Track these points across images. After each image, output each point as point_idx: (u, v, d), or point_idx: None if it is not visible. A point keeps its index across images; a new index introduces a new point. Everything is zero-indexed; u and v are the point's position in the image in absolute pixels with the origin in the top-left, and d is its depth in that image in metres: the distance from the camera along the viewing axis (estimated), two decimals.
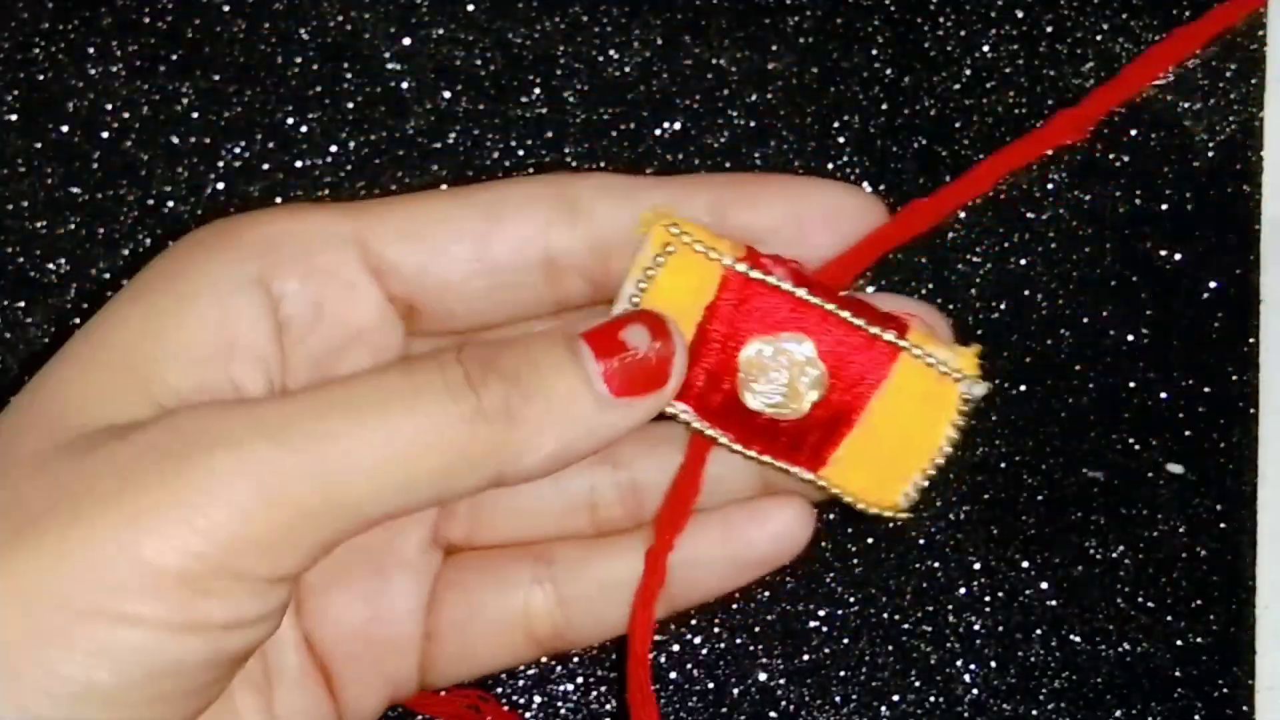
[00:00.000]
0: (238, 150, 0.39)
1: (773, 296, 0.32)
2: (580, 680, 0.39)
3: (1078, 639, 0.39)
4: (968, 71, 0.41)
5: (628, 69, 0.40)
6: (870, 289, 0.40)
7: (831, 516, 0.39)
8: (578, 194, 0.33)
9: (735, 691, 0.39)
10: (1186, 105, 0.41)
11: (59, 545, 0.27)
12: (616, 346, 0.31)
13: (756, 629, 0.39)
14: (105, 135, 0.39)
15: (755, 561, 0.35)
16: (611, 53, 0.40)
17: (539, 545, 0.35)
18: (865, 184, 0.40)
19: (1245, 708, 0.39)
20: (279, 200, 0.39)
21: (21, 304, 0.38)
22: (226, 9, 0.40)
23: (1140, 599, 0.39)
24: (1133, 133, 0.41)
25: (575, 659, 0.39)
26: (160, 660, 0.27)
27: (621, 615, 0.34)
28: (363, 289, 0.33)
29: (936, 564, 0.39)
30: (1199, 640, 0.39)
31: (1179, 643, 0.39)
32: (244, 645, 0.29)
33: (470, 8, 0.40)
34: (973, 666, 0.39)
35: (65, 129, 0.39)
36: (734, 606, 0.39)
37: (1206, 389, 0.40)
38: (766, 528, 0.35)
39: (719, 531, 0.35)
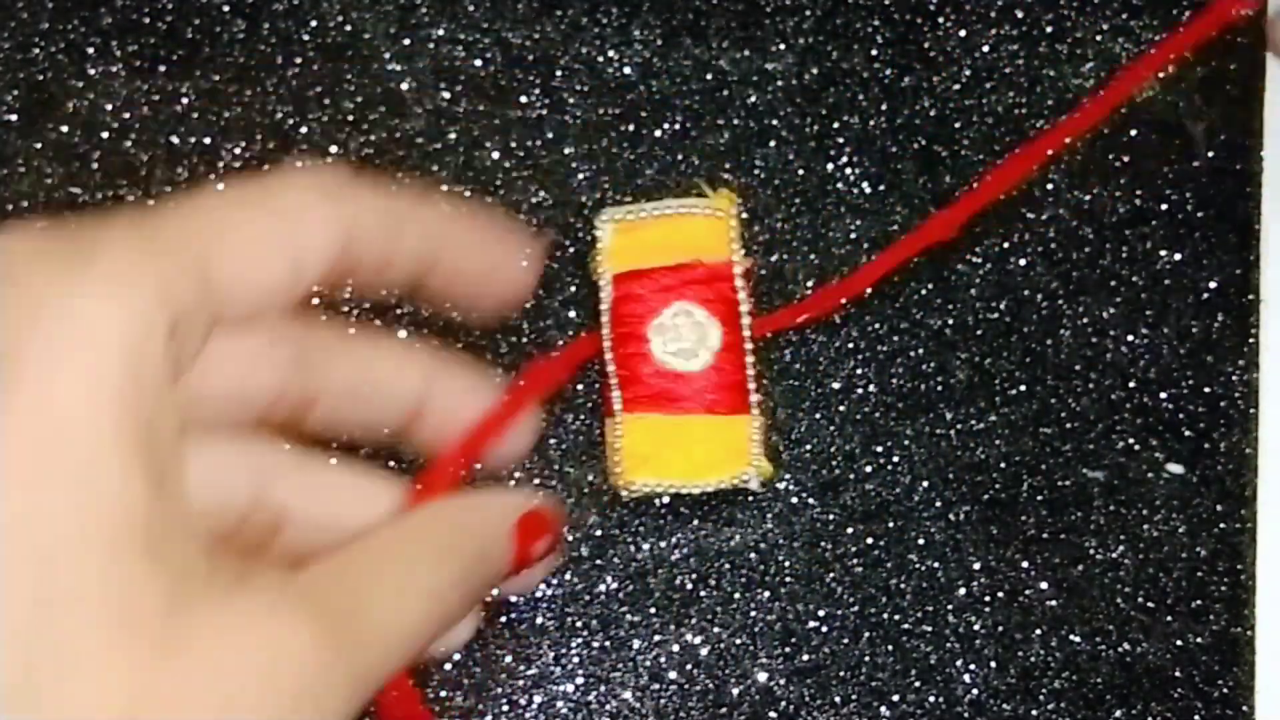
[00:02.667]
0: (238, 150, 0.39)
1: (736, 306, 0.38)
2: (580, 680, 0.39)
3: (1078, 639, 0.39)
4: (968, 71, 0.41)
5: (628, 69, 0.40)
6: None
7: (831, 516, 0.39)
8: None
9: (735, 691, 0.39)
10: (1186, 105, 0.41)
11: None
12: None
13: (756, 629, 0.39)
14: (105, 135, 0.39)
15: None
16: (611, 53, 0.40)
17: None
18: (865, 184, 0.40)
19: (1245, 708, 0.39)
20: None
21: None
22: (226, 9, 0.40)
23: (1140, 599, 0.39)
24: (1133, 133, 0.41)
25: (575, 659, 0.39)
26: None
27: None
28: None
29: (936, 564, 0.39)
30: (1199, 640, 0.39)
31: (1179, 643, 0.39)
32: None
33: (470, 8, 0.40)
34: (973, 666, 0.39)
35: (65, 129, 0.39)
36: (734, 606, 0.39)
37: (1206, 389, 0.40)
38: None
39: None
